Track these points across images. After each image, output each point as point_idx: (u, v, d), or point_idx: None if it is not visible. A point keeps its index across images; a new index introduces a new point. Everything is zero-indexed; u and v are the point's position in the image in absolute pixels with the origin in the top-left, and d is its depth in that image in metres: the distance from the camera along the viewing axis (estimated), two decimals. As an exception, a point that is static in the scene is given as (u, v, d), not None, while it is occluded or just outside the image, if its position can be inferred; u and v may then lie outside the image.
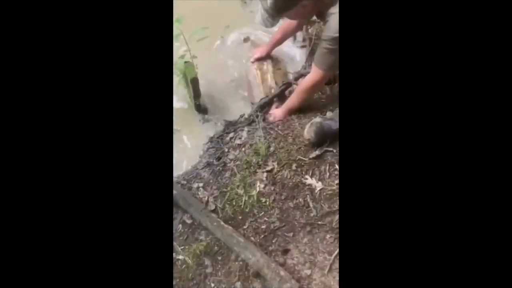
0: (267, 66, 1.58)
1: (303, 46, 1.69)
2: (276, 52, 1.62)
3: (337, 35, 1.07)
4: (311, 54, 1.58)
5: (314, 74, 1.23)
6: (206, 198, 1.25)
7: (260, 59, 1.58)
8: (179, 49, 1.33)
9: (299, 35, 1.71)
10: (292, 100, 1.38)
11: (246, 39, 1.71)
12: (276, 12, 1.09)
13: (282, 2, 1.06)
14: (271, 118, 1.42)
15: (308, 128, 1.29)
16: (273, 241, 1.14)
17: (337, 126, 1.27)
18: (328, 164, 1.27)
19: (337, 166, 1.26)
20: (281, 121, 1.40)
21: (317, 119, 1.30)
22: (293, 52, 1.69)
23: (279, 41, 1.56)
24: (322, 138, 1.28)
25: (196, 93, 1.37)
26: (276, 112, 1.43)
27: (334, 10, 1.08)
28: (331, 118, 1.31)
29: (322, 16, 1.17)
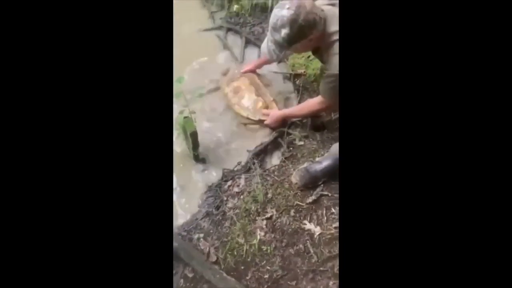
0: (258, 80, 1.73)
1: (286, 77, 1.82)
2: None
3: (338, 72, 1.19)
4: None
5: (320, 102, 1.38)
6: (207, 249, 1.25)
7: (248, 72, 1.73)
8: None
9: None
10: (294, 111, 1.55)
11: (225, 72, 1.81)
12: (288, 43, 1.18)
13: (295, 34, 1.15)
14: (267, 120, 1.56)
15: (295, 173, 1.38)
16: (277, 290, 1.14)
17: (322, 167, 1.35)
18: (324, 208, 1.32)
19: (333, 210, 1.31)
20: (275, 126, 1.56)
21: (304, 164, 1.39)
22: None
23: (267, 63, 1.73)
24: (308, 181, 1.35)
25: (194, 145, 1.43)
26: (274, 113, 1.55)
27: (335, 51, 1.19)
28: (317, 162, 1.39)
29: (319, 52, 1.30)
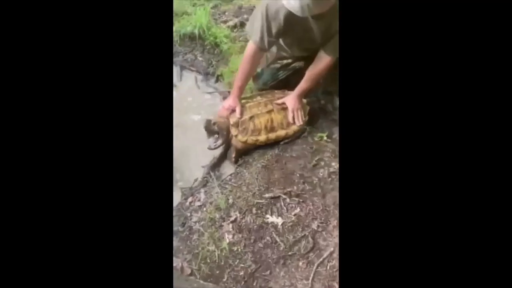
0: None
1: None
2: None
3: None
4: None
5: (330, 61, 1.44)
6: (180, 265, 1.27)
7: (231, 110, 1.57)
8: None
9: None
10: (306, 85, 1.54)
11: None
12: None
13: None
14: (289, 107, 1.55)
15: None
16: (254, 284, 1.20)
17: None
18: (281, 200, 1.44)
19: (288, 200, 1.43)
20: (295, 107, 1.55)
21: None
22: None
23: (250, 75, 1.57)
24: None
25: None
26: (290, 100, 1.55)
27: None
28: None
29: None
